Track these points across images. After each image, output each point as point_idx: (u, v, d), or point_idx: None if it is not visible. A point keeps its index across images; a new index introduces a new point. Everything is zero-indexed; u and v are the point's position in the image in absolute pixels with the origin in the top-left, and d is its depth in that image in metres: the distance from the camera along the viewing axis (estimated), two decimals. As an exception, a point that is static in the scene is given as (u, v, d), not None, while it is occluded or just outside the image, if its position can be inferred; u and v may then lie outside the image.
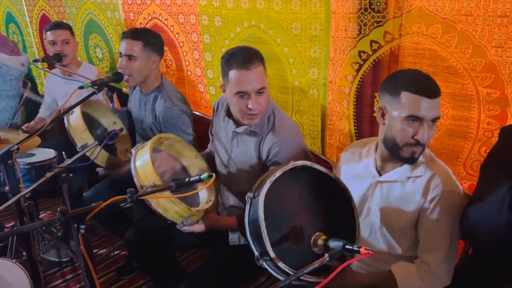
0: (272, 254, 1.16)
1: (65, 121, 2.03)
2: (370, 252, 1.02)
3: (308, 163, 1.35)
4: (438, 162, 1.45)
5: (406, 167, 1.43)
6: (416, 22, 1.67)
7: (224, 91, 1.70)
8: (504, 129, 1.37)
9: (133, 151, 1.64)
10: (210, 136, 2.07)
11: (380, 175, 1.49)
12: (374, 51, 1.84)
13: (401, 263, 1.44)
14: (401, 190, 1.44)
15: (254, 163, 1.75)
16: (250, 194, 1.28)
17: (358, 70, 1.92)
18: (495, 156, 1.37)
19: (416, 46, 1.71)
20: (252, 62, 1.58)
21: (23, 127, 2.82)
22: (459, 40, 1.59)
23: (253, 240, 1.24)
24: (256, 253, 1.22)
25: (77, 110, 2.03)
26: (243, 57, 1.60)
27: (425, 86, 1.30)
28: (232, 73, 1.61)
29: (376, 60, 1.84)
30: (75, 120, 2.01)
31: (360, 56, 1.89)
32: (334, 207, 1.35)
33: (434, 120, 1.33)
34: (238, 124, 1.77)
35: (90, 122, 2.24)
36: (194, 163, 1.88)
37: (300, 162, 1.33)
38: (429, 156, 1.45)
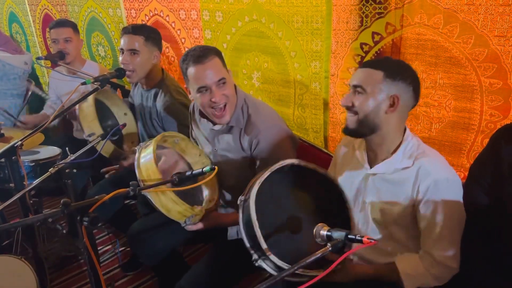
0: (267, 252, 1.16)
1: (77, 108, 2.04)
2: (373, 241, 1.01)
3: (296, 161, 1.35)
4: (429, 152, 1.41)
5: (393, 158, 1.41)
6: (417, 13, 1.66)
7: (190, 93, 1.71)
8: (494, 134, 1.39)
9: (136, 149, 1.65)
10: (191, 140, 2.05)
11: (371, 167, 1.48)
12: (376, 43, 1.83)
13: (405, 254, 1.43)
14: (391, 182, 1.42)
15: (240, 155, 1.75)
16: (242, 197, 1.28)
17: (360, 63, 1.91)
18: (481, 156, 1.42)
19: (418, 37, 1.70)
20: (205, 56, 1.60)
21: (20, 119, 2.80)
22: (461, 30, 1.58)
23: (249, 241, 1.24)
24: (255, 256, 1.22)
25: (90, 99, 2.04)
26: (196, 54, 1.62)
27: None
28: (189, 71, 1.63)
29: (378, 52, 1.83)
30: (87, 108, 2.02)
31: (362, 48, 1.88)
32: (327, 201, 1.35)
33: (356, 87, 1.41)
34: (214, 122, 1.77)
35: (102, 109, 2.26)
36: (198, 161, 1.89)
37: (288, 161, 1.33)
38: (417, 147, 1.42)
